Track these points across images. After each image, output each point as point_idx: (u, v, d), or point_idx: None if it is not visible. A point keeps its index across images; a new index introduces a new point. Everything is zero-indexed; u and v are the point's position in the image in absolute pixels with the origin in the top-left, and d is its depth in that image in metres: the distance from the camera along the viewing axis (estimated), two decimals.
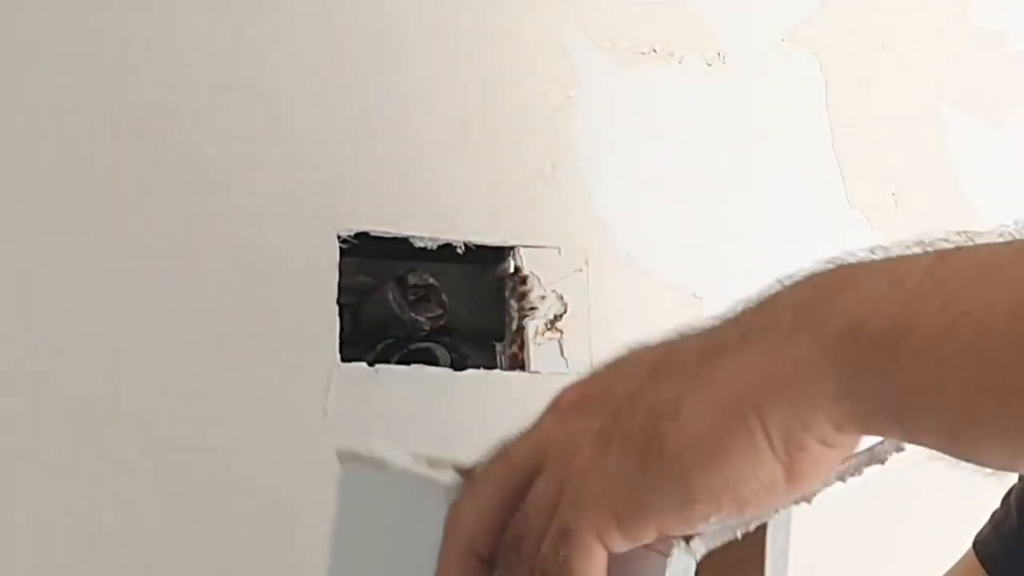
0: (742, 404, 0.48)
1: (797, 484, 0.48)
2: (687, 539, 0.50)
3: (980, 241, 0.49)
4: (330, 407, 1.25)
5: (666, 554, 0.50)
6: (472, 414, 1.29)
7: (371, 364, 1.27)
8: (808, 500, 0.50)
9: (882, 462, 0.51)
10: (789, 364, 0.48)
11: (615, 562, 0.49)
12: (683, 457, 0.48)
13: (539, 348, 1.34)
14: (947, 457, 0.47)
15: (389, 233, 1.30)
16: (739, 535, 0.50)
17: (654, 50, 1.43)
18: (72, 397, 1.18)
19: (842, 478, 0.51)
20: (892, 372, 0.46)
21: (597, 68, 1.40)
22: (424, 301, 1.30)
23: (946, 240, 0.50)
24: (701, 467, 0.48)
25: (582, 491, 0.49)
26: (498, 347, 1.35)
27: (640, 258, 1.39)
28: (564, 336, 1.35)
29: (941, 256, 0.49)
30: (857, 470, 0.51)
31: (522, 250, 1.35)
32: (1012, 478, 0.81)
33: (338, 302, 1.27)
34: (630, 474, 0.48)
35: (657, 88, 1.43)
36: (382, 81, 1.32)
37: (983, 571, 0.86)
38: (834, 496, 0.52)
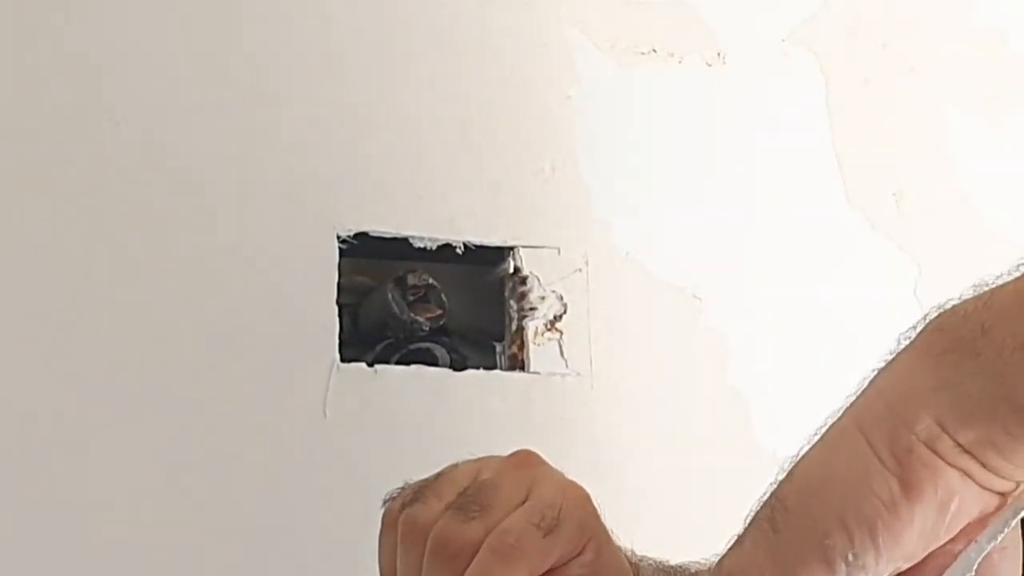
0: (844, 426, 0.47)
1: (916, 498, 0.46)
2: None
3: None
4: (330, 407, 1.24)
5: None
6: (472, 414, 1.29)
7: (371, 364, 1.27)
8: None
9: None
10: (886, 375, 0.47)
11: None
12: (801, 498, 0.47)
13: (538, 348, 1.34)
14: None
15: (388, 233, 1.30)
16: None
17: (654, 50, 1.43)
18: (71, 397, 1.18)
19: (990, 539, 0.47)
20: (981, 343, 0.45)
21: (597, 68, 1.40)
22: (423, 301, 1.30)
23: None
24: (817, 497, 0.47)
25: None
26: (497, 347, 1.35)
27: (640, 258, 1.39)
28: (564, 336, 1.34)
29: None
30: (998, 531, 0.47)
31: (522, 250, 1.34)
32: None
33: (338, 302, 1.27)
34: (764, 545, 0.48)
35: (657, 88, 1.42)
36: (382, 81, 1.32)
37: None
38: None
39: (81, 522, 1.17)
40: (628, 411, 1.35)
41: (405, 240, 1.30)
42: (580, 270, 1.36)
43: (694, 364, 1.39)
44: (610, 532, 0.66)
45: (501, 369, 1.34)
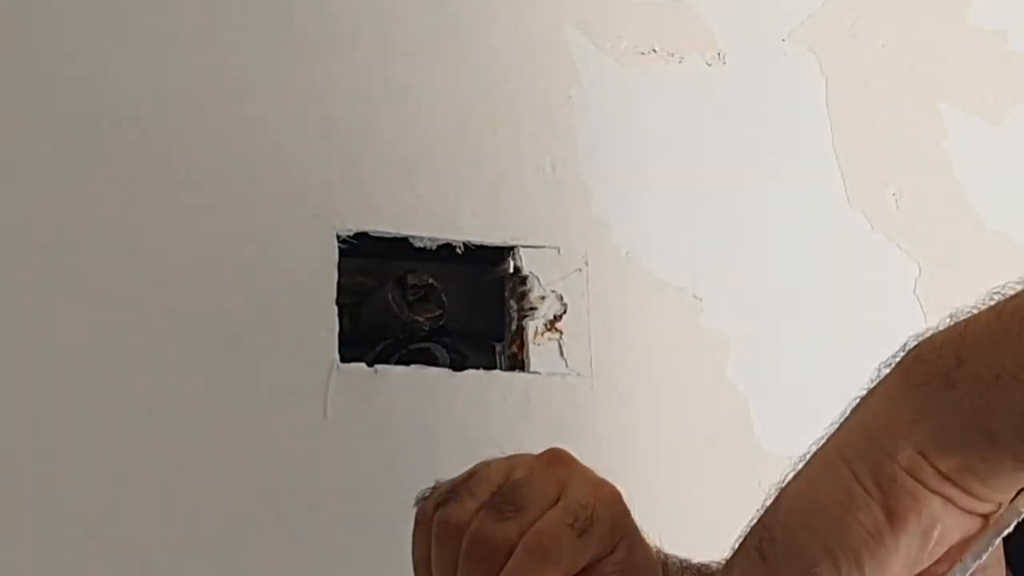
0: (828, 456, 0.49)
1: (901, 525, 0.47)
2: None
3: None
4: (330, 407, 1.25)
5: None
6: (471, 414, 1.29)
7: (371, 364, 1.27)
8: None
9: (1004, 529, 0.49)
10: (867, 406, 0.49)
11: None
12: (788, 527, 0.48)
13: (538, 348, 1.34)
14: None
15: (389, 233, 1.30)
16: None
17: (654, 50, 1.43)
18: (72, 398, 1.18)
19: (973, 559, 0.48)
20: (957, 375, 0.46)
21: (597, 68, 1.40)
22: (423, 301, 1.30)
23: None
24: (804, 526, 0.48)
25: None
26: (497, 347, 1.35)
27: (640, 258, 1.39)
28: (564, 336, 1.35)
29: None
30: (982, 550, 0.49)
31: (522, 250, 1.35)
32: None
33: (338, 302, 1.27)
34: (753, 574, 0.49)
35: (657, 88, 1.42)
36: (382, 81, 1.32)
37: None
38: None
39: (80, 521, 1.17)
40: (628, 411, 1.35)
41: (405, 240, 1.30)
42: (580, 270, 1.36)
43: (694, 364, 1.39)
44: (640, 530, 0.67)
45: (501, 369, 1.34)
